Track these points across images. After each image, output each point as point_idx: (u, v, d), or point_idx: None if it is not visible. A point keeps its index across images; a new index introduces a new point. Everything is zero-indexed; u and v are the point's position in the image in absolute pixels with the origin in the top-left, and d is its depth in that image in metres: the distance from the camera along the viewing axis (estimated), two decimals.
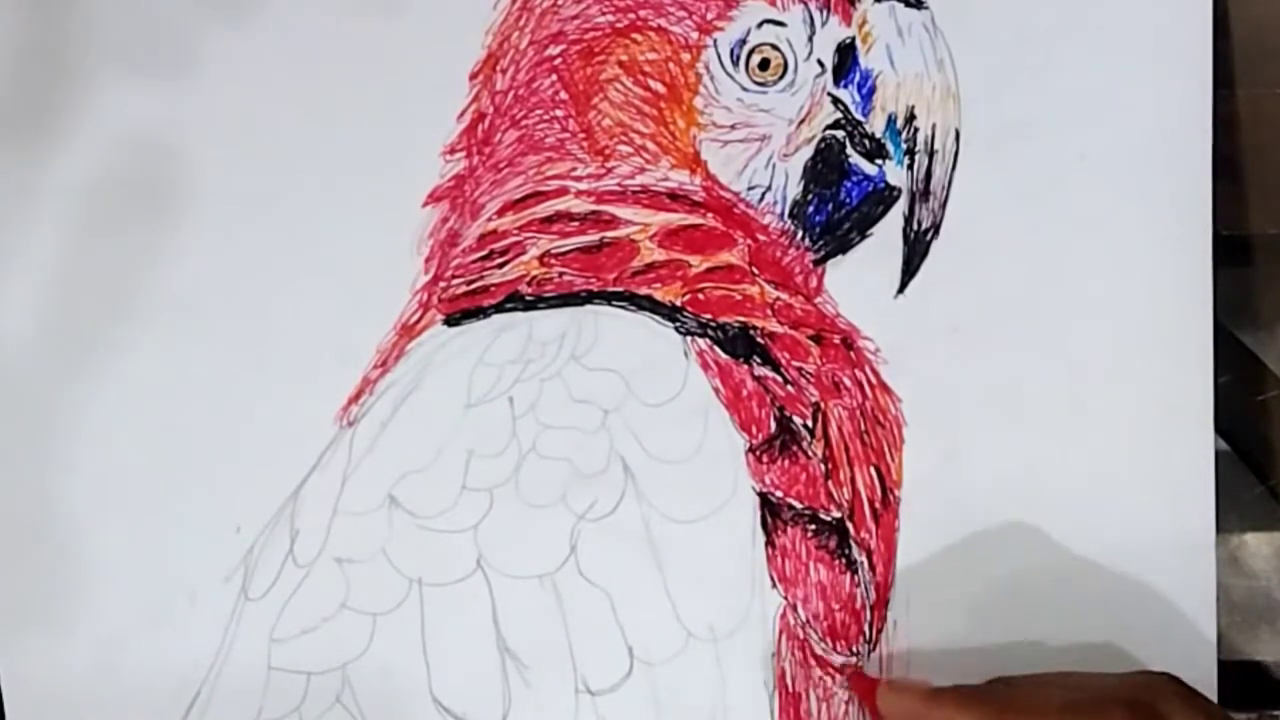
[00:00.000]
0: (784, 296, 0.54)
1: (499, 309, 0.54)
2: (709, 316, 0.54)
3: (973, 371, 0.54)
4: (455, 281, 0.54)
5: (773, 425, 0.53)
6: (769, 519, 0.53)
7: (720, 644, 0.53)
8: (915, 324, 0.54)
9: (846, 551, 0.54)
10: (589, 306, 0.54)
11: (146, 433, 0.54)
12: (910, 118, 0.53)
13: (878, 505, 0.54)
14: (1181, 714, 0.44)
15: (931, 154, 0.53)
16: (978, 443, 0.54)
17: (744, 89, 0.53)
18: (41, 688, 0.55)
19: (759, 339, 0.54)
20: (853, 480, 0.54)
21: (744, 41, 0.53)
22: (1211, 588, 0.54)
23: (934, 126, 0.53)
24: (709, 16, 0.53)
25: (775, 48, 0.53)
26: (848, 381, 0.54)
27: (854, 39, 0.53)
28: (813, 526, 0.53)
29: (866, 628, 0.54)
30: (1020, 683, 0.48)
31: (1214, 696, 0.54)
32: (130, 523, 0.54)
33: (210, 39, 0.54)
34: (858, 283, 0.54)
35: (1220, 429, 0.54)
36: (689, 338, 0.54)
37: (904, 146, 0.53)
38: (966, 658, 0.54)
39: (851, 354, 0.54)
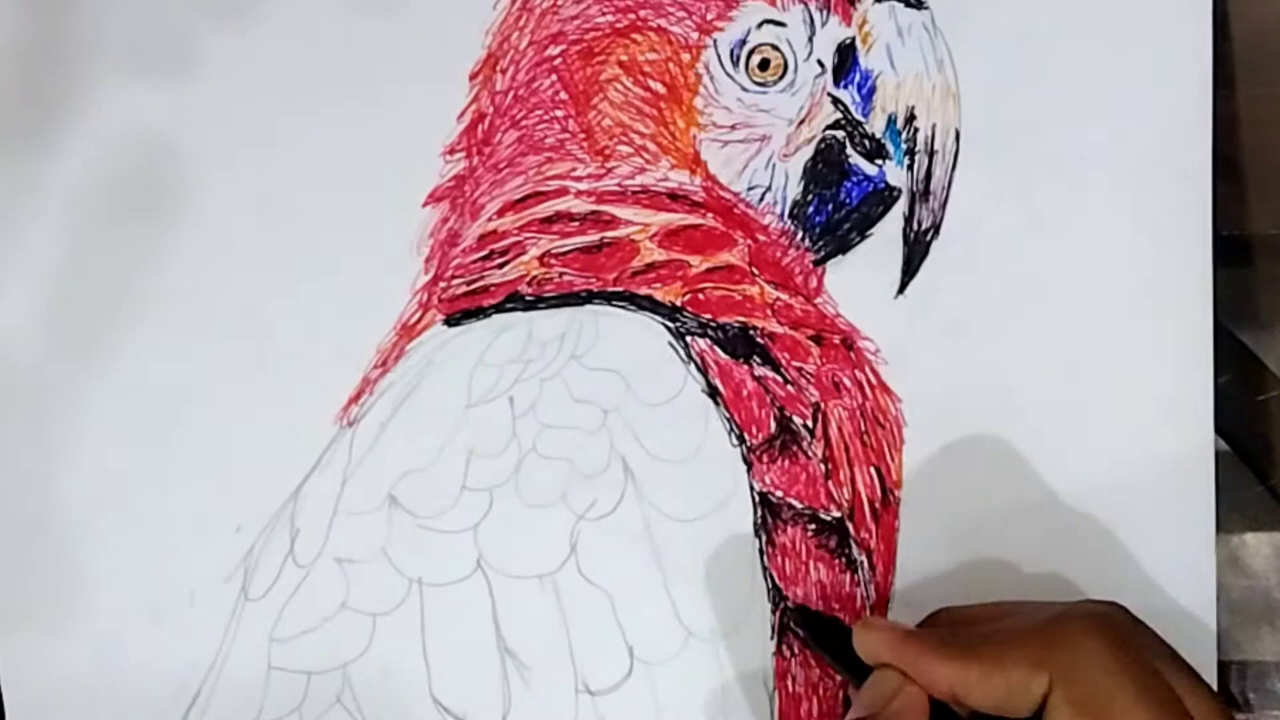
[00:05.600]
0: (784, 296, 0.54)
1: (499, 309, 0.54)
2: (709, 316, 0.54)
3: (973, 371, 0.54)
4: (455, 281, 0.54)
5: (773, 425, 0.53)
6: (769, 519, 0.53)
7: (720, 644, 0.53)
8: (915, 324, 0.54)
9: (846, 551, 0.54)
10: (589, 306, 0.54)
11: (146, 432, 0.54)
12: (910, 118, 0.53)
13: (878, 505, 0.54)
14: (1138, 630, 0.46)
15: (931, 154, 0.53)
16: (978, 443, 0.54)
17: (744, 89, 0.53)
18: (41, 688, 0.55)
19: (759, 339, 0.54)
20: (853, 480, 0.54)
21: (744, 42, 0.53)
22: (1211, 588, 0.54)
23: (934, 126, 0.53)
24: (709, 17, 0.53)
25: (775, 48, 0.53)
26: (848, 382, 0.54)
27: (854, 39, 0.53)
28: (813, 526, 0.53)
29: None
30: (981, 616, 0.49)
31: None
32: (130, 522, 0.55)
33: (210, 39, 0.54)
34: (858, 283, 0.54)
35: (1220, 429, 0.54)
36: (689, 338, 0.54)
37: (904, 147, 0.53)
38: None
39: (851, 354, 0.54)
